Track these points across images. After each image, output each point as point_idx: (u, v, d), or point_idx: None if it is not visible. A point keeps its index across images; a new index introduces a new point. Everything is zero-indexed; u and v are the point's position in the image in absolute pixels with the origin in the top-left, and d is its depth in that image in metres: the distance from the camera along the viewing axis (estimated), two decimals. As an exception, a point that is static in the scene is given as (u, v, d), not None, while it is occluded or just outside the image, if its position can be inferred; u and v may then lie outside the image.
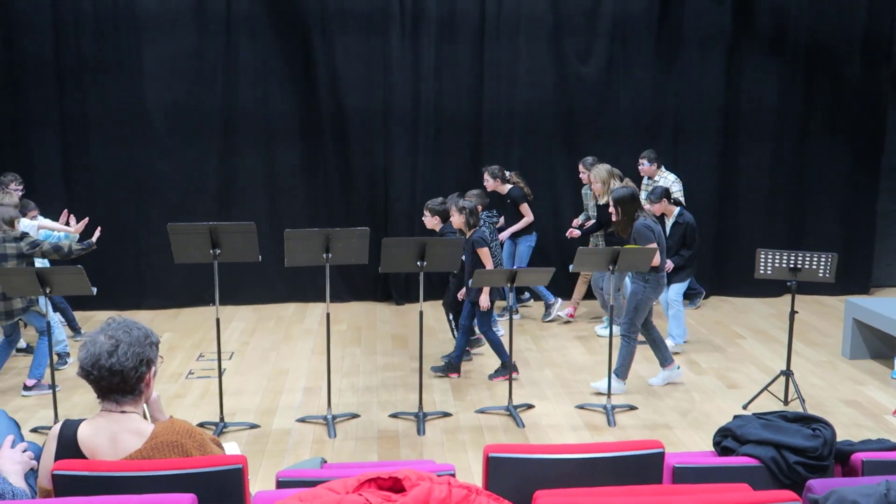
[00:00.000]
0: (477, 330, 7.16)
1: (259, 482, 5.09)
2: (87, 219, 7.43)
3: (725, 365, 7.46)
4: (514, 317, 7.08)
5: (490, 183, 8.58)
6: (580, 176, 8.58)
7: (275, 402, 6.56)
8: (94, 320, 8.84)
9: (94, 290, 5.79)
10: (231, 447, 3.33)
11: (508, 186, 8.60)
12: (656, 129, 9.67)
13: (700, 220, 9.75)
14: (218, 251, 5.84)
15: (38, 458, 3.18)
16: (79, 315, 8.88)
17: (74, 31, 8.85)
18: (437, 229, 7.15)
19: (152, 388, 2.96)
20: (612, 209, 6.61)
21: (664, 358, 6.86)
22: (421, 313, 6.21)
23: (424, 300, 6.30)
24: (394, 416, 6.23)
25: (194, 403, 6.51)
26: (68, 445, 2.80)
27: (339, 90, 9.20)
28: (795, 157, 9.86)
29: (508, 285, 6.16)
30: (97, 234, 6.98)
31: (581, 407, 6.41)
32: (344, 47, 9.15)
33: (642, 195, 8.38)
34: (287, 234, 5.95)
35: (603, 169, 7.95)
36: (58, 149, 9.04)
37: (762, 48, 9.63)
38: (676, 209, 7.81)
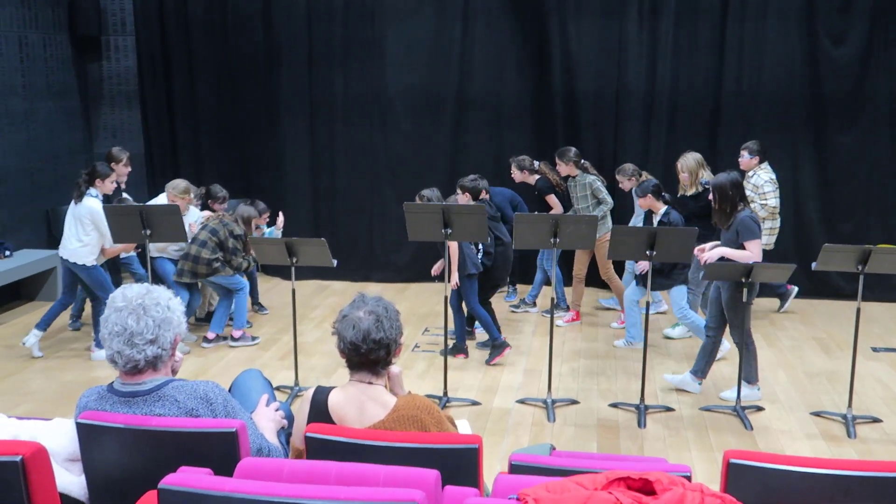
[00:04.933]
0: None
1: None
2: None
3: None
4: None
5: (518, 175, 8.29)
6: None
7: (496, 381, 6.67)
8: (329, 289, 9.43)
9: (335, 262, 6.16)
10: (463, 425, 3.42)
11: (536, 177, 8.23)
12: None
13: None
14: (449, 231, 6.00)
15: (286, 417, 3.45)
16: (314, 284, 9.55)
17: (326, 18, 9.43)
18: None
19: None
20: (710, 197, 6.12)
21: (700, 369, 6.30)
22: (648, 304, 6.07)
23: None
24: (614, 405, 6.14)
25: (419, 375, 6.77)
26: (320, 410, 3.00)
27: (573, 74, 9.13)
28: None
29: (743, 280, 5.85)
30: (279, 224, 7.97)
31: (817, 414, 5.99)
32: (579, 31, 9.06)
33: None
34: (517, 217, 6.05)
35: (692, 158, 7.43)
36: (306, 128, 9.70)
37: None
38: (664, 207, 7.06)
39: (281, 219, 8.09)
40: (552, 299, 6.34)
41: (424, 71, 9.41)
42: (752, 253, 5.83)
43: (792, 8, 8.75)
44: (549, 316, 6.31)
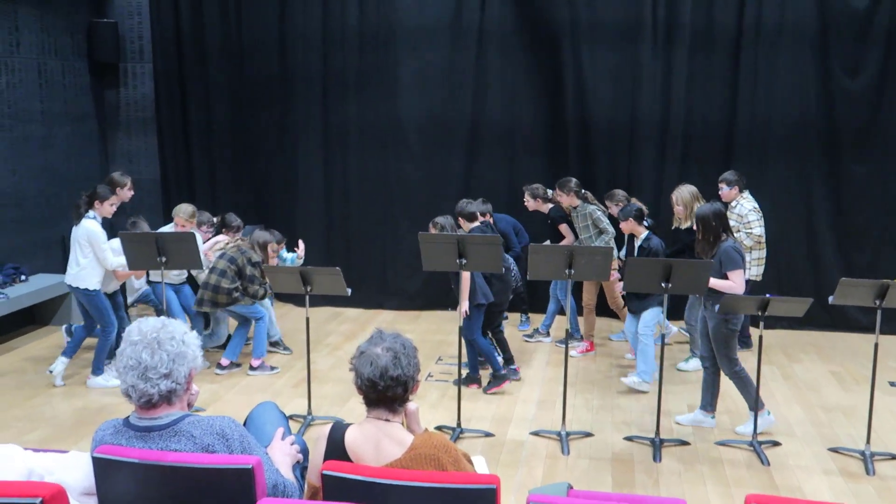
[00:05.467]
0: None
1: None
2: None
3: None
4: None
5: (531, 203, 8.33)
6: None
7: (509, 411, 6.63)
8: (343, 316, 9.43)
9: (349, 291, 6.16)
10: (479, 463, 3.39)
11: (549, 206, 8.26)
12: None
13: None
14: (464, 261, 6.00)
15: (301, 451, 3.42)
16: (328, 311, 9.55)
17: (341, 45, 9.50)
18: (467, 230, 7.20)
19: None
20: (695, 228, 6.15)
21: (708, 402, 6.27)
22: (663, 336, 6.03)
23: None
24: (628, 438, 6.09)
25: (432, 405, 6.73)
26: (336, 447, 2.99)
27: (586, 102, 9.15)
28: None
29: (759, 313, 5.82)
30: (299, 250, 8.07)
31: (834, 450, 5.92)
32: (592, 59, 9.08)
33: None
34: (532, 248, 6.06)
35: (686, 191, 7.41)
36: (320, 155, 9.74)
37: None
38: (645, 232, 7.12)
39: (302, 247, 8.13)
40: (566, 330, 6.30)
41: (438, 98, 9.46)
42: (734, 283, 5.86)
43: (806, 38, 8.75)
44: (562, 346, 6.28)
